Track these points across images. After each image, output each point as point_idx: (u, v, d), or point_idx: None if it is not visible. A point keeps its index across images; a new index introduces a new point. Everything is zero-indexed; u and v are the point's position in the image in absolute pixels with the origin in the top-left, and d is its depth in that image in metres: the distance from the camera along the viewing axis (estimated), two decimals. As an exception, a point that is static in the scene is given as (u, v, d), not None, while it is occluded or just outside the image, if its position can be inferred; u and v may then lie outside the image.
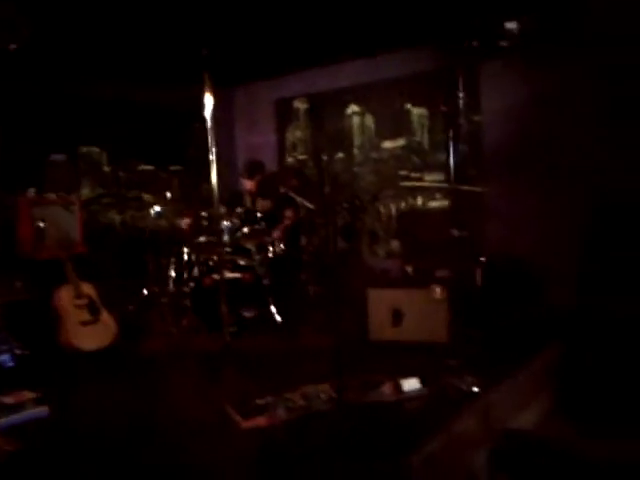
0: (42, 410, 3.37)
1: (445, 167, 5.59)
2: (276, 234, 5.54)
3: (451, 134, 4.38)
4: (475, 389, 3.38)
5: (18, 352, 4.18)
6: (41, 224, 5.15)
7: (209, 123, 4.41)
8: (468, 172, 5.29)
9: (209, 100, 4.43)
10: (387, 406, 3.24)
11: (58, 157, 6.05)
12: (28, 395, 3.42)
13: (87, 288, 4.74)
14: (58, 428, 3.26)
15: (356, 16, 4.95)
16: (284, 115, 7.13)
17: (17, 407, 3.32)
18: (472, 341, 4.06)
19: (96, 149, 6.35)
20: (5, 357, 4.12)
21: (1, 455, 2.92)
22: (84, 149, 6.26)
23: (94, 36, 5.00)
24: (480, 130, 5.56)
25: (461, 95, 5.11)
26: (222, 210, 5.14)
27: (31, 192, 5.72)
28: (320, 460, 2.68)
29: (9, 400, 3.36)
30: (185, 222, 5.46)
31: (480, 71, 5.54)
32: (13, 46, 2.98)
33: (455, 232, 4.04)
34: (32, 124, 5.86)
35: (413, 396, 3.33)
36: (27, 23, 2.79)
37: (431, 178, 5.86)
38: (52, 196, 5.77)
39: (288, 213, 5.72)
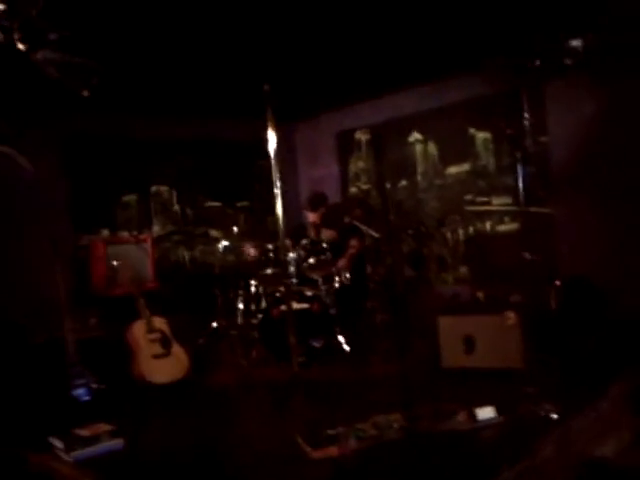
0: (117, 442, 3.44)
1: (513, 190, 5.47)
2: (342, 263, 5.53)
3: (518, 156, 4.29)
4: (553, 416, 3.23)
5: (94, 386, 4.29)
6: (115, 262, 5.33)
7: (273, 158, 4.49)
8: (537, 194, 5.15)
9: (272, 136, 4.51)
10: (461, 435, 3.14)
11: (130, 197, 6.28)
12: (104, 428, 3.49)
13: (159, 322, 4.84)
14: (133, 460, 3.30)
15: (415, 43, 4.96)
16: (346, 147, 7.18)
17: (93, 439, 3.40)
18: (549, 367, 3.90)
19: (166, 188, 6.55)
20: (81, 391, 4.23)
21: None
22: (154, 189, 6.47)
23: (158, 75, 5.19)
24: (547, 151, 5.42)
25: (526, 116, 5.01)
26: (287, 242, 5.20)
27: (105, 232, 5.96)
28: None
29: (85, 433, 3.44)
30: (250, 250, 5.53)
31: (545, 91, 5.43)
32: (86, 93, 3.10)
33: (527, 255, 3.91)
34: (104, 166, 6.12)
35: (488, 425, 3.21)
36: (97, 70, 2.91)
37: (498, 202, 5.73)
38: (125, 235, 5.99)
39: (353, 242, 5.71)
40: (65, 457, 3.30)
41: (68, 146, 5.88)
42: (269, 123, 4.51)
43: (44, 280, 4.71)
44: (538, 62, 5.09)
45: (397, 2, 4.07)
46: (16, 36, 2.71)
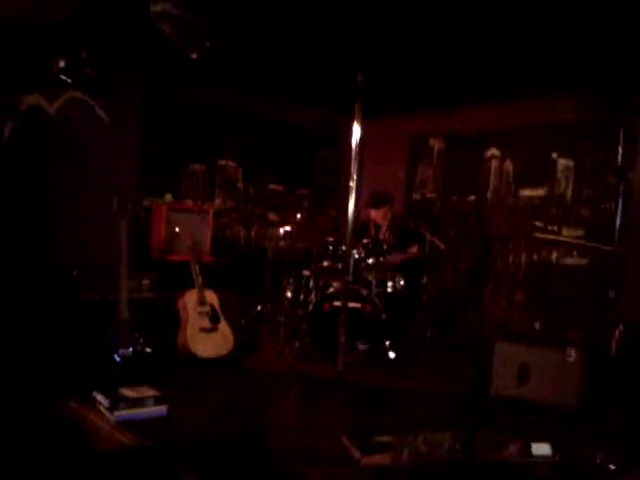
0: (161, 409, 3.39)
1: (588, 223, 5.29)
2: (392, 259, 5.35)
3: (621, 189, 4.12)
4: (611, 467, 3.08)
5: (139, 348, 4.26)
6: (177, 228, 5.30)
7: (354, 151, 4.40)
8: (613, 231, 4.95)
9: (357, 128, 4.41)
10: (514, 467, 3.01)
11: (197, 166, 6.26)
12: (150, 392, 3.45)
13: (210, 296, 4.79)
14: (173, 429, 3.25)
15: (507, 60, 4.83)
16: (417, 151, 7.04)
17: (138, 402, 3.35)
18: (610, 413, 3.73)
19: (233, 164, 6.52)
20: (126, 351, 4.19)
21: (117, 447, 2.95)
22: (222, 162, 6.45)
23: (247, 50, 5.11)
24: (631, 188, 5.21)
25: (620, 151, 4.81)
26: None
27: (168, 196, 5.96)
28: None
29: (131, 394, 3.40)
30: (283, 229, 5.48)
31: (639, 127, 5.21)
32: (194, 55, 3.04)
33: (611, 294, 3.76)
34: (177, 132, 6.11)
35: (543, 462, 3.07)
36: (212, 34, 2.86)
37: (570, 233, 5.54)
38: (188, 203, 5.98)
39: (412, 249, 5.57)
40: (108, 415, 3.27)
41: (146, 105, 5.88)
42: (356, 114, 4.43)
43: (105, 235, 4.70)
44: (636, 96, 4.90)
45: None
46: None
